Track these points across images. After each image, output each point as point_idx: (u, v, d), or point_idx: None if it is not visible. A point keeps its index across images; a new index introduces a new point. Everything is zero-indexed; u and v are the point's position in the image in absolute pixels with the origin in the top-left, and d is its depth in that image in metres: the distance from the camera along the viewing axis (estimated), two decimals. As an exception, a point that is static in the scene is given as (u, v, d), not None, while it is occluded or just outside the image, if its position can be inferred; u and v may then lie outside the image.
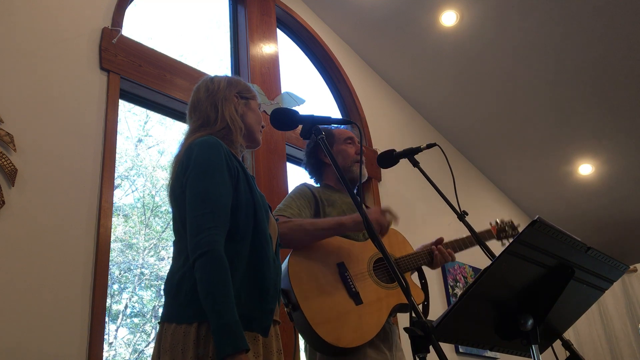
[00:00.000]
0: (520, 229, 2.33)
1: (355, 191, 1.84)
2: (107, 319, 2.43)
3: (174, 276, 1.44)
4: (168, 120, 3.62)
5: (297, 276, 1.86)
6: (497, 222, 2.37)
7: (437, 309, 3.23)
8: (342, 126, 2.37)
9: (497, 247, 1.43)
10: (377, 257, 2.04)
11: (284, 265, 1.86)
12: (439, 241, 2.16)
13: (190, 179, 1.47)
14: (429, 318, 1.90)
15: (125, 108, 4.07)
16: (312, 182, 2.34)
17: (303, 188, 2.17)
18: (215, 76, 1.79)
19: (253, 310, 1.41)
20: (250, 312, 1.40)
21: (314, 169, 2.32)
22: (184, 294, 1.38)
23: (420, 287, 2.08)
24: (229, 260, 1.39)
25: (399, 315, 2.23)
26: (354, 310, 1.86)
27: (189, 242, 1.39)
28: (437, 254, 2.11)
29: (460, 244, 2.22)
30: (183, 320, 1.36)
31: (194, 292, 1.34)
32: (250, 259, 1.45)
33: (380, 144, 4.23)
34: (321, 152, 2.25)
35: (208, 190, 1.44)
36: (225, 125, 1.64)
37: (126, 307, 4.85)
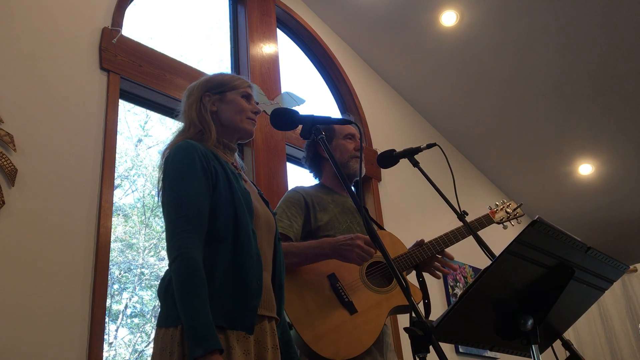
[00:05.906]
0: (522, 209, 2.32)
1: (353, 189, 1.82)
2: (107, 319, 2.43)
3: (164, 281, 1.46)
4: (168, 120, 3.62)
5: (288, 294, 1.84)
6: (496, 205, 2.33)
7: (437, 309, 3.22)
8: None
9: (497, 246, 1.43)
10: (369, 262, 2.00)
11: None
12: (419, 243, 2.10)
13: (166, 187, 1.51)
14: (429, 318, 1.91)
15: (125, 108, 4.06)
16: (310, 177, 2.34)
17: (294, 194, 2.15)
18: (198, 80, 1.78)
19: (236, 309, 1.41)
20: (233, 311, 1.40)
21: (313, 164, 2.32)
22: (170, 297, 1.40)
23: (418, 286, 2.06)
24: (210, 260, 1.41)
25: (399, 316, 2.21)
26: (349, 321, 1.86)
27: (167, 247, 1.43)
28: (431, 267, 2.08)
29: (446, 240, 2.11)
30: (170, 323, 1.37)
31: None
32: (232, 258, 1.45)
33: (380, 144, 4.23)
34: (320, 146, 2.24)
35: (182, 195, 1.46)
36: (198, 129, 1.65)
37: (126, 307, 4.84)
